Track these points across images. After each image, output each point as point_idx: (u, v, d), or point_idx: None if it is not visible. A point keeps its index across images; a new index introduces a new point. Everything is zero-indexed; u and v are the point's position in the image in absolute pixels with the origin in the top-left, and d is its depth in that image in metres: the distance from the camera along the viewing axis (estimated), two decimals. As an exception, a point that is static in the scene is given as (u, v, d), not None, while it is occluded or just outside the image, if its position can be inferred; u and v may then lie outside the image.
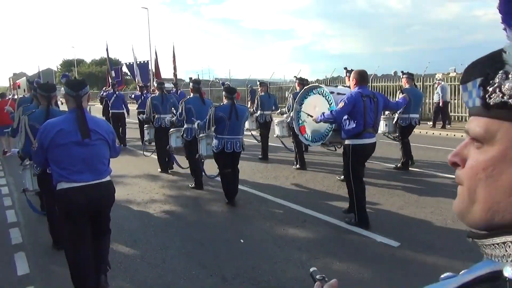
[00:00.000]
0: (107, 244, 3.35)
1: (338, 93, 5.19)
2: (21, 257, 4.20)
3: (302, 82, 7.98)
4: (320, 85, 5.66)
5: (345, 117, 4.61)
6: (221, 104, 5.78)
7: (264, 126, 9.03)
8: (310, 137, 5.56)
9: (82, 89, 3.04)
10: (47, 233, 4.45)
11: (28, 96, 6.77)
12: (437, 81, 14.05)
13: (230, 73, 23.96)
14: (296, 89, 8.22)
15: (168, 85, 12.68)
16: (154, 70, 16.16)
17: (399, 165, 7.61)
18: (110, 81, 15.34)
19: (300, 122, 5.76)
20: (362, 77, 4.73)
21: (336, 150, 7.00)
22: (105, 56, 21.61)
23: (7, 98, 12.46)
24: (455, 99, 14.91)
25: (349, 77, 6.14)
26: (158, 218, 5.38)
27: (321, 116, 4.74)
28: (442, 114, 13.42)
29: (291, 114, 7.70)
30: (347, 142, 4.75)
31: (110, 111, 11.69)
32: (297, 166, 8.03)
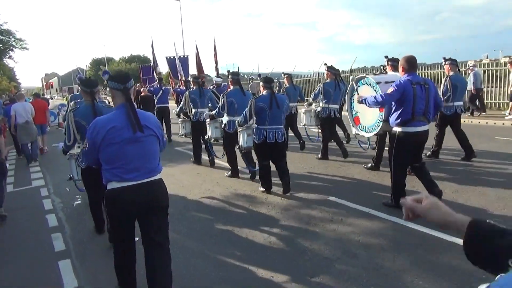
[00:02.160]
0: (167, 257, 2.98)
1: (386, 82, 5.03)
2: (66, 266, 3.93)
3: (333, 71, 7.80)
4: (366, 75, 5.49)
5: (393, 104, 4.47)
6: (260, 94, 5.65)
7: (289, 118, 8.70)
8: (365, 128, 5.47)
9: (129, 81, 2.90)
10: (91, 238, 4.46)
11: (79, 93, 7.16)
12: (470, 67, 13.24)
13: (259, 67, 23.56)
14: (326, 79, 7.92)
15: (217, 79, 12.62)
16: (196, 64, 16.03)
17: (428, 153, 7.19)
18: (156, 76, 15.38)
19: (354, 112, 5.68)
20: (410, 64, 4.53)
21: (366, 150, 7.09)
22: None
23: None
24: (490, 86, 14.15)
25: (391, 65, 5.86)
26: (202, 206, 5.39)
27: (371, 98, 4.61)
28: (479, 101, 12.75)
29: (321, 105, 7.71)
30: (394, 129, 4.62)
31: (156, 105, 11.61)
32: (319, 156, 7.95)
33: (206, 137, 7.35)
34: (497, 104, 14.01)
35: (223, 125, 6.74)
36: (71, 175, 4.74)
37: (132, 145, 2.75)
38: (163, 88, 11.98)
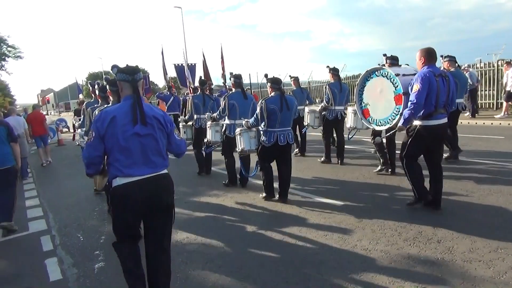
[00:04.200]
0: (169, 257, 2.93)
1: (404, 75, 4.79)
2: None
3: (336, 72, 7.81)
4: (383, 67, 5.26)
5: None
6: (270, 96, 5.44)
7: (296, 121, 8.55)
8: (375, 121, 5.25)
9: (138, 73, 2.83)
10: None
11: (93, 101, 6.97)
12: (465, 68, 13.33)
13: (258, 76, 23.62)
14: (331, 80, 7.85)
15: (228, 83, 12.55)
16: (203, 72, 16.03)
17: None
18: (166, 84, 15.40)
19: (363, 105, 5.46)
20: (430, 55, 4.33)
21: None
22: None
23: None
24: (486, 90, 14.82)
25: (389, 63, 5.75)
26: (199, 216, 5.15)
27: (403, 118, 4.36)
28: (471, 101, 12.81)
29: (329, 107, 7.57)
30: (415, 123, 4.39)
31: (167, 113, 11.48)
32: (323, 159, 7.92)
33: (205, 140, 7.08)
34: (488, 104, 14.68)
35: (223, 129, 6.55)
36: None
37: (134, 137, 2.64)
38: (174, 95, 11.98)
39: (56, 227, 5.33)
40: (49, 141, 12.11)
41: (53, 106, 78.32)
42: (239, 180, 6.62)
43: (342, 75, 19.45)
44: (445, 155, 6.82)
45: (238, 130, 5.90)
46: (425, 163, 4.59)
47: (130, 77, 2.77)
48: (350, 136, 7.26)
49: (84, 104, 7.22)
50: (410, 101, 4.24)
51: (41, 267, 4.03)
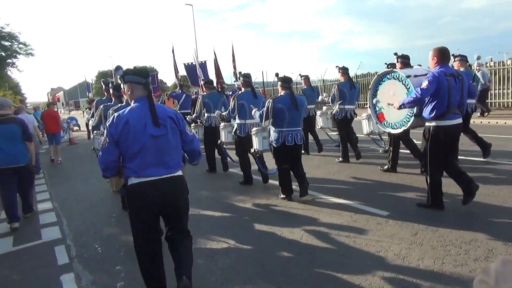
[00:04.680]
0: (190, 249, 2.99)
1: (416, 76, 4.79)
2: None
3: (346, 71, 7.80)
4: (394, 69, 5.25)
5: (427, 98, 4.24)
6: (279, 95, 5.44)
7: (307, 121, 8.53)
8: (390, 124, 5.24)
9: (150, 76, 2.90)
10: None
11: (105, 98, 7.07)
12: (476, 68, 13.18)
13: (266, 75, 23.63)
14: (341, 79, 7.85)
15: (238, 82, 12.59)
16: (214, 70, 16.05)
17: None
18: (177, 82, 15.43)
19: (378, 109, 5.46)
20: (443, 55, 4.30)
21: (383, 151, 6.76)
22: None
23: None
24: (499, 89, 14.67)
25: (401, 62, 5.75)
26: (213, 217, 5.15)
27: (407, 98, 4.39)
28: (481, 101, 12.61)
29: (335, 107, 7.62)
30: (428, 124, 4.39)
31: (179, 111, 11.57)
32: (340, 159, 7.81)
33: (219, 141, 7.12)
34: (505, 103, 14.46)
35: (234, 129, 6.55)
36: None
37: (149, 140, 2.67)
38: (185, 93, 12.04)
39: (71, 236, 4.90)
40: (61, 139, 12.22)
41: (63, 105, 79.02)
42: (262, 178, 6.56)
43: (358, 72, 19.63)
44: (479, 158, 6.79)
45: (254, 130, 5.92)
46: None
47: (144, 80, 2.81)
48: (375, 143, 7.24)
49: (95, 102, 7.29)
50: (416, 91, 4.26)
51: (56, 285, 3.61)
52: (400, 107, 4.50)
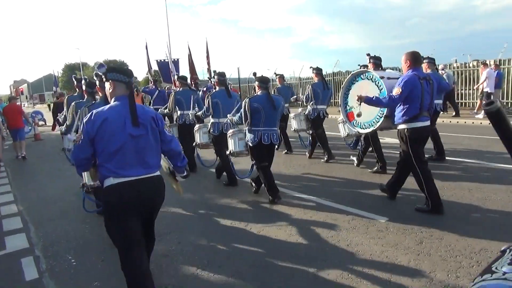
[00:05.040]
0: (149, 253, 3.06)
1: (389, 78, 4.91)
2: None
3: (319, 72, 7.90)
4: (368, 70, 5.35)
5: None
6: (255, 94, 5.43)
7: (282, 119, 8.62)
8: (359, 124, 5.33)
9: (133, 76, 2.88)
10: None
11: (76, 95, 6.78)
12: (441, 71, 13.74)
13: (239, 72, 23.52)
14: (314, 80, 7.91)
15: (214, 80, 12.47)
16: (188, 66, 15.82)
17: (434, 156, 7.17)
18: (151, 78, 15.08)
19: (348, 108, 5.55)
20: (416, 59, 4.43)
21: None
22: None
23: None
24: (463, 89, 15.49)
25: (373, 63, 5.85)
26: (202, 217, 5.07)
27: (374, 98, 4.48)
28: (450, 102, 13.19)
29: (309, 107, 7.68)
30: (402, 126, 4.48)
31: (152, 107, 11.24)
32: (325, 158, 7.80)
33: (194, 143, 6.98)
34: (469, 103, 15.22)
35: (208, 128, 6.48)
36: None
37: (128, 139, 2.63)
38: (159, 89, 11.82)
39: (40, 245, 4.36)
40: (25, 134, 11.73)
41: (26, 98, 76.00)
42: (228, 179, 6.46)
43: (335, 70, 19.91)
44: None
45: (230, 132, 5.84)
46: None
47: (128, 79, 2.79)
48: (349, 144, 7.43)
49: (66, 98, 7.03)
50: (389, 96, 4.34)
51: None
52: (368, 102, 4.53)
